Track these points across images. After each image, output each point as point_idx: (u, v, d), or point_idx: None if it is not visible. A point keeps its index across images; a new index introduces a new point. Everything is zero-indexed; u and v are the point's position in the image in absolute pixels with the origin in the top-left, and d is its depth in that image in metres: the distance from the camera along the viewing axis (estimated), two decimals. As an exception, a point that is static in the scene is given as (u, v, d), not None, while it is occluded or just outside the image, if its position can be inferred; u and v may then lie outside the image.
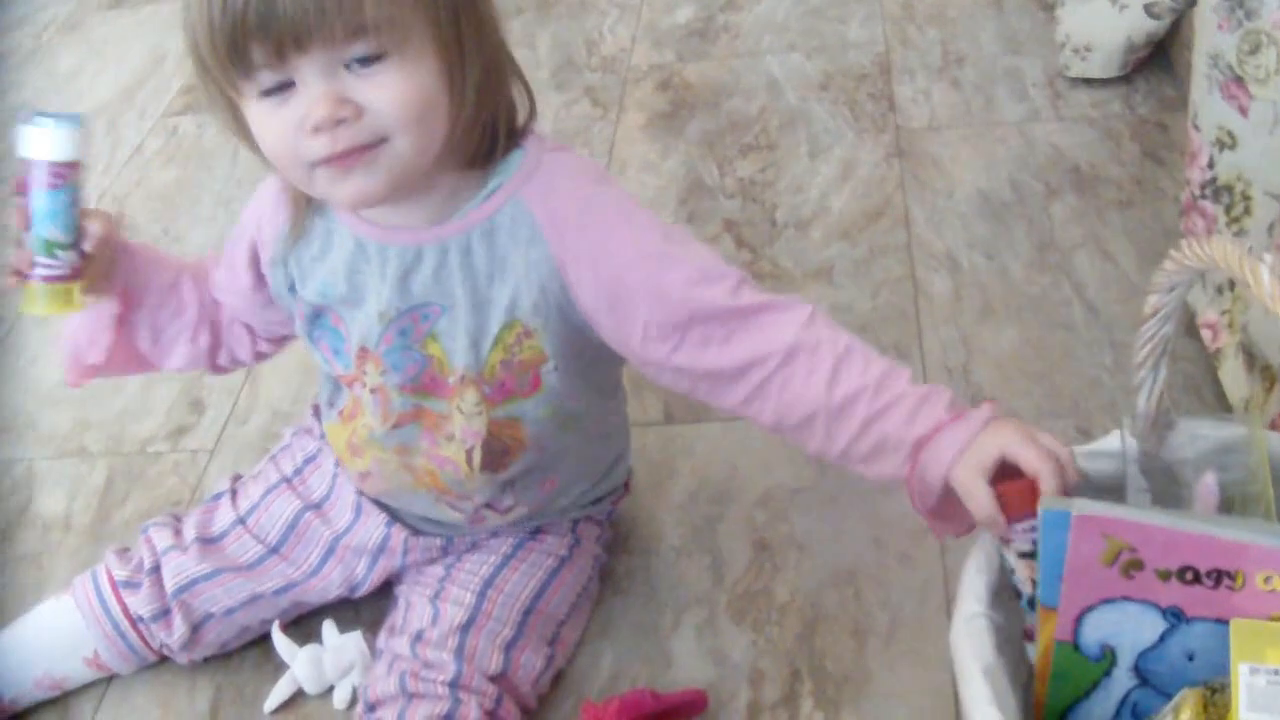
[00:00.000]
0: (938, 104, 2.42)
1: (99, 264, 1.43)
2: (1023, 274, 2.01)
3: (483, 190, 1.35)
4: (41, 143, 1.35)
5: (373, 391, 1.47)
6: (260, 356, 1.66)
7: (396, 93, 1.21)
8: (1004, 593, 1.19)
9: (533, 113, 1.38)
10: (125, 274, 1.49)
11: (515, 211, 1.34)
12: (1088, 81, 2.38)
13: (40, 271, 1.38)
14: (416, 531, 1.62)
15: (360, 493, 1.63)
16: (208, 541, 1.68)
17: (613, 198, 1.37)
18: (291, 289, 1.48)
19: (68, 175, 1.37)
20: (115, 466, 2.05)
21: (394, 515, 1.62)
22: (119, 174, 2.72)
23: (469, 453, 1.47)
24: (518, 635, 1.54)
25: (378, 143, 1.23)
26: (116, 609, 1.65)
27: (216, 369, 1.66)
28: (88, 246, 1.40)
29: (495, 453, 1.47)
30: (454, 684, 1.47)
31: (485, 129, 1.33)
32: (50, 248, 1.37)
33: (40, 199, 1.36)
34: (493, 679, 1.50)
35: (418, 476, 1.53)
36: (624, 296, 1.33)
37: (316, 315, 1.48)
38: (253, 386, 2.13)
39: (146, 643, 1.66)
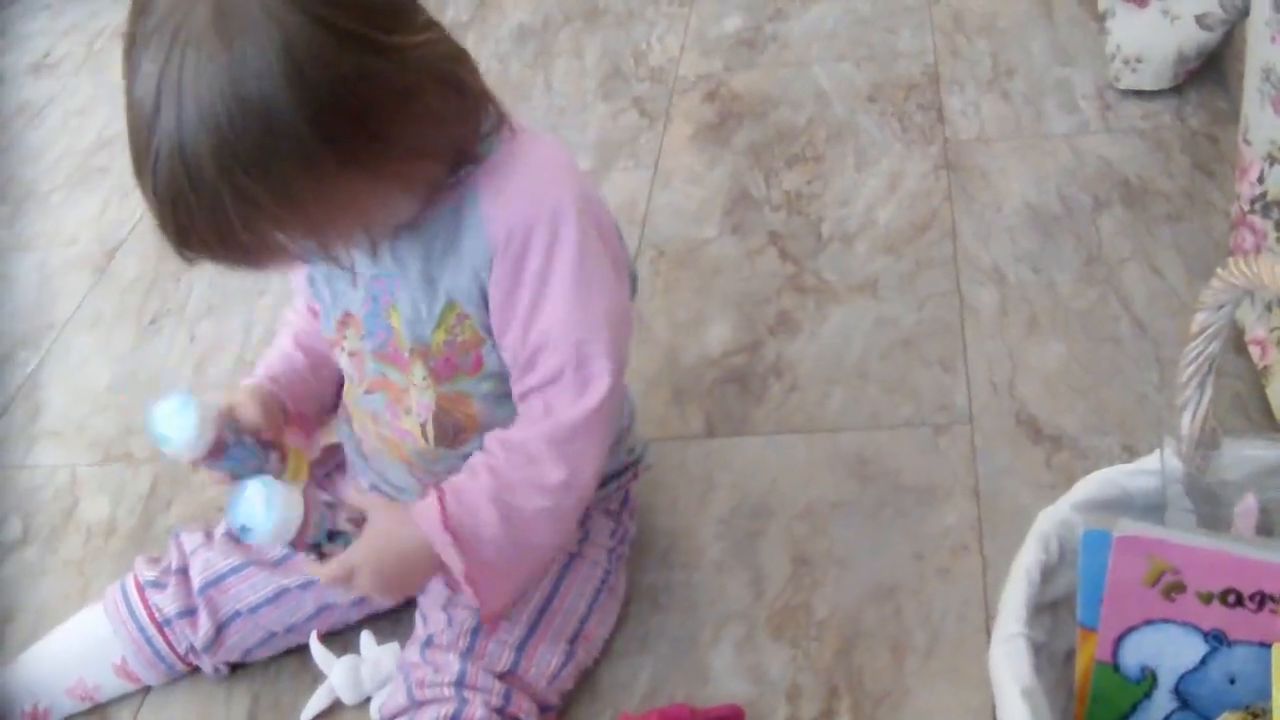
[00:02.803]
0: (987, 116, 2.40)
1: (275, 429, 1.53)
2: (1070, 288, 1.99)
3: (456, 173, 1.38)
4: (179, 446, 1.40)
5: (351, 355, 1.53)
6: None
7: (356, 242, 1.34)
8: (1044, 612, 1.18)
9: (500, 119, 1.40)
10: (292, 398, 1.59)
11: (472, 202, 1.38)
12: (1138, 93, 2.36)
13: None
14: None
15: (373, 487, 1.64)
16: (236, 539, 1.68)
17: (553, 209, 1.38)
18: None
19: (217, 450, 1.43)
20: (159, 473, 2.05)
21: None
22: (167, 181, 2.73)
23: (423, 426, 1.52)
24: (530, 634, 1.54)
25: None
26: (142, 613, 1.66)
27: None
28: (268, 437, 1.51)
29: (447, 428, 1.51)
30: (459, 683, 1.47)
31: (449, 155, 1.36)
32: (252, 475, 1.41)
33: (220, 473, 1.46)
34: (500, 676, 1.50)
35: (388, 446, 1.58)
36: (501, 327, 1.43)
37: (312, 280, 1.53)
38: (295, 395, 2.13)
39: (172, 647, 1.67)
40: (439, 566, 1.42)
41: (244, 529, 1.34)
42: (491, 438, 1.44)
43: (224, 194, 1.18)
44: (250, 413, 1.49)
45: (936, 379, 1.89)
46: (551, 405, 1.41)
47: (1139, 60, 2.32)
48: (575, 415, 1.40)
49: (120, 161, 2.80)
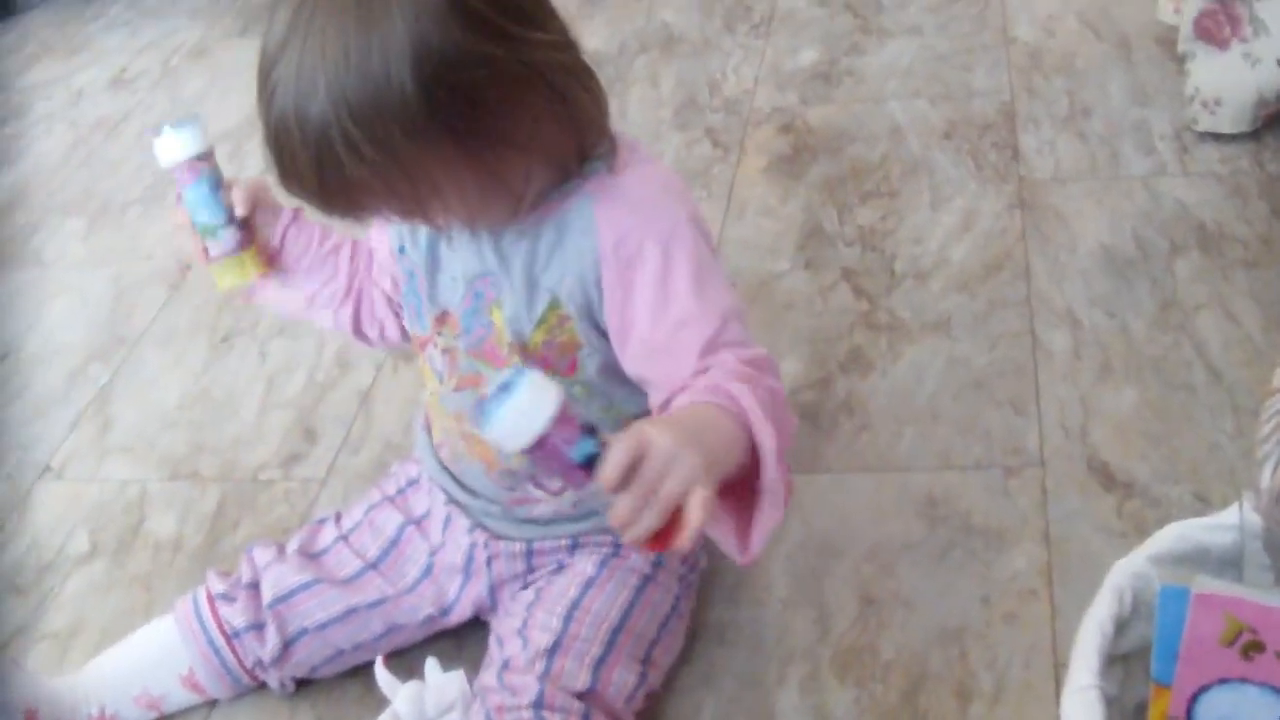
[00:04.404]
0: (1062, 155, 2.39)
1: (263, 228, 1.59)
2: (1144, 333, 1.98)
3: (564, 186, 1.40)
4: (170, 147, 1.52)
5: (444, 352, 1.55)
6: (406, 336, 1.69)
7: (450, 216, 1.36)
8: (1116, 664, 1.17)
9: (613, 149, 1.43)
10: (286, 231, 1.61)
11: (584, 209, 1.40)
12: (1216, 136, 2.34)
13: (212, 252, 1.56)
14: (497, 536, 1.63)
15: (448, 504, 1.65)
16: (309, 556, 1.72)
17: (667, 222, 1.39)
18: (402, 249, 1.56)
19: (200, 167, 1.53)
20: (227, 492, 2.07)
21: (476, 522, 1.64)
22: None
23: None
24: (606, 653, 1.54)
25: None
26: (212, 624, 1.67)
27: (362, 337, 1.74)
28: (240, 212, 1.55)
29: None
30: (537, 704, 1.47)
31: (562, 159, 1.39)
32: (209, 230, 1.54)
33: (187, 194, 1.53)
34: (579, 696, 1.49)
35: (470, 445, 1.58)
36: (626, 328, 1.41)
37: (410, 276, 1.56)
38: (366, 417, 2.14)
39: (240, 660, 1.67)
40: (737, 443, 1.21)
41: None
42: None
43: (329, 133, 1.24)
44: (250, 183, 1.57)
45: (1008, 421, 1.88)
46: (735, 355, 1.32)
47: (1218, 103, 2.30)
48: (749, 354, 1.32)
49: (197, 179, 2.83)
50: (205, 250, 1.55)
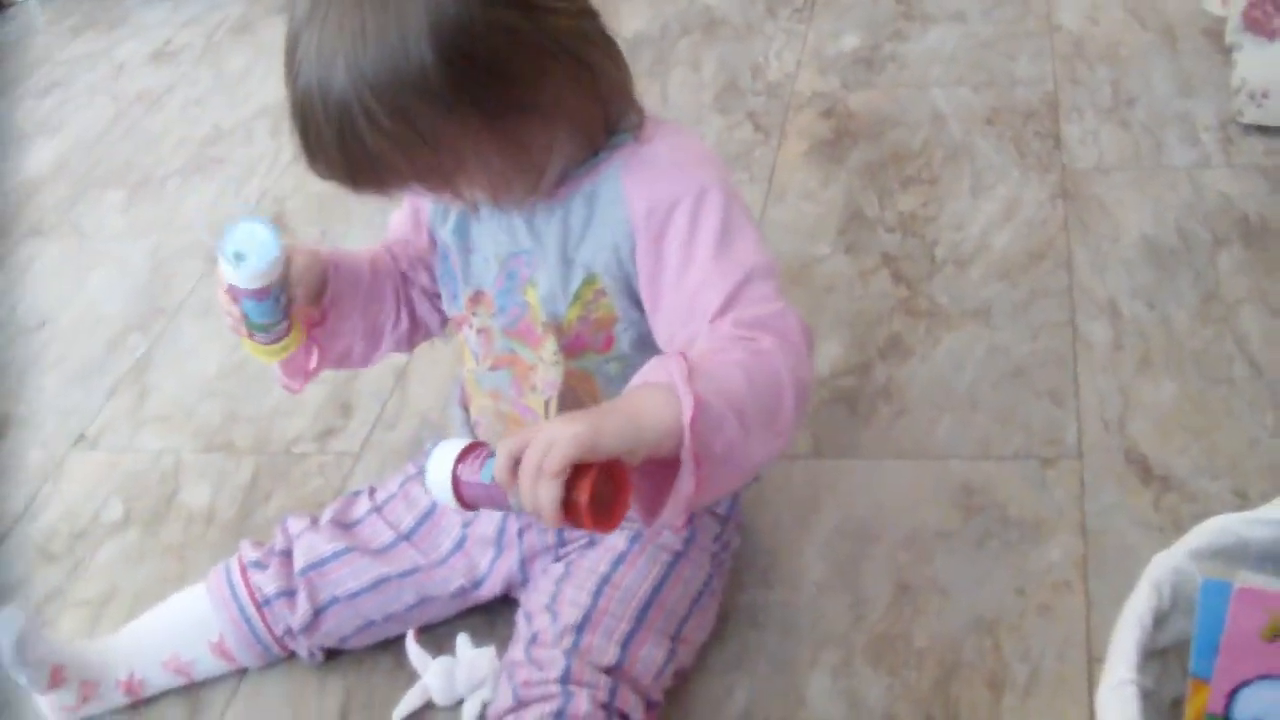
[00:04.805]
0: (1106, 145, 2.38)
1: (307, 300, 1.52)
2: (1185, 325, 1.97)
3: (592, 160, 1.41)
4: (239, 275, 1.41)
5: (479, 332, 1.56)
6: (444, 324, 1.69)
7: (478, 191, 1.36)
8: (1153, 659, 1.16)
9: (641, 120, 1.43)
10: (334, 291, 1.55)
11: (613, 180, 1.40)
12: (1262, 129, 2.33)
13: (258, 338, 1.48)
14: None
15: None
16: (342, 526, 1.73)
17: (695, 184, 1.38)
18: (435, 230, 1.57)
19: (268, 289, 1.43)
20: (261, 464, 2.07)
21: None
22: (281, 176, 2.76)
23: (546, 404, 1.52)
24: (636, 628, 1.53)
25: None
26: (243, 591, 1.68)
27: (413, 347, 1.72)
28: (297, 299, 1.49)
29: (571, 407, 1.50)
30: (564, 679, 1.47)
31: (588, 131, 1.39)
32: (259, 327, 1.47)
33: (248, 307, 1.44)
34: (607, 671, 1.49)
35: (507, 425, 1.58)
36: (656, 297, 1.40)
37: (444, 256, 1.56)
38: (402, 392, 2.14)
39: (269, 628, 1.68)
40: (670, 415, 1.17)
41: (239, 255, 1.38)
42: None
43: (350, 107, 1.24)
44: (304, 274, 1.50)
45: (1047, 411, 1.87)
46: (739, 317, 1.31)
47: (1265, 95, 2.29)
48: (760, 312, 1.32)
49: (236, 153, 2.86)
50: (248, 332, 1.48)
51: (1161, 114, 2.43)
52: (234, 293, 1.43)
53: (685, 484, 1.16)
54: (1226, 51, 2.45)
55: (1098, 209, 2.23)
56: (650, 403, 1.16)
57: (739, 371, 1.22)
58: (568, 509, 1.13)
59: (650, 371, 1.22)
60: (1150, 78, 2.54)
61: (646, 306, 1.43)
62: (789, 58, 2.83)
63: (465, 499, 1.25)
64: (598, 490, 1.13)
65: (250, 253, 1.40)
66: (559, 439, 1.11)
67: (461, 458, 1.24)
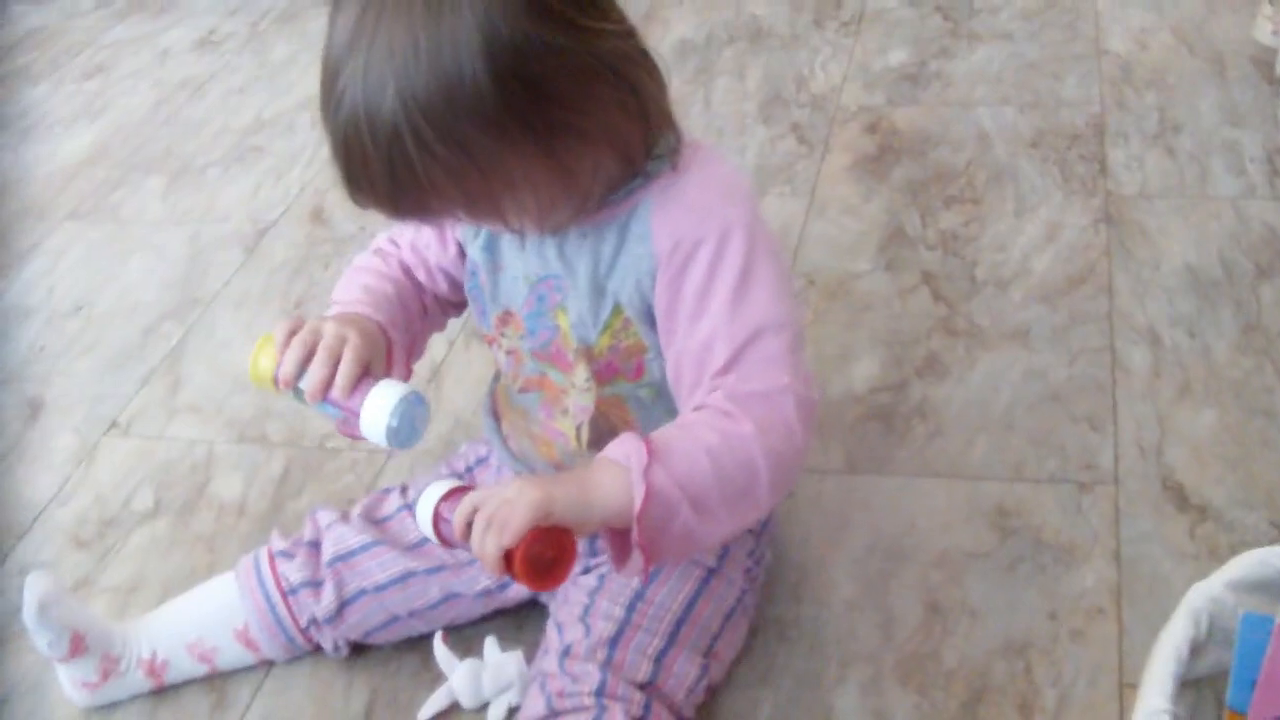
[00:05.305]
0: (1150, 171, 2.37)
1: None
2: (1226, 355, 1.95)
3: (626, 187, 1.39)
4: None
5: (508, 353, 1.56)
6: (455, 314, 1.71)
7: (523, 215, 1.34)
8: (1188, 689, 1.16)
9: (678, 144, 1.42)
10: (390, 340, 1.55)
11: (642, 213, 1.40)
12: (1309, 161, 2.32)
13: (315, 410, 1.49)
14: None
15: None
16: (372, 520, 1.73)
17: (720, 225, 1.38)
18: (463, 246, 1.56)
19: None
20: (293, 458, 2.07)
21: None
22: (322, 168, 2.76)
23: (578, 429, 1.53)
24: (669, 645, 1.53)
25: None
26: (269, 579, 1.68)
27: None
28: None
29: (603, 432, 1.50)
30: (599, 693, 1.46)
31: (629, 153, 1.37)
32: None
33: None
34: (641, 686, 1.49)
35: (537, 445, 1.59)
36: (668, 335, 1.43)
37: (473, 273, 1.55)
38: (436, 392, 2.14)
39: (294, 617, 1.68)
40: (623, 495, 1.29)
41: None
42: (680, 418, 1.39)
43: (401, 132, 1.22)
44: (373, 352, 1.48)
45: (1083, 436, 1.86)
46: (733, 388, 1.36)
47: (1313, 128, 2.28)
48: (757, 387, 1.36)
49: (277, 143, 2.86)
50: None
51: (1208, 142, 2.42)
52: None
53: (635, 562, 1.31)
54: (1276, 82, 2.44)
55: (1140, 235, 2.22)
56: (604, 484, 1.30)
57: (706, 459, 1.31)
58: (508, 562, 1.26)
59: (614, 448, 1.33)
60: (1197, 105, 2.53)
61: (661, 339, 1.43)
62: (835, 71, 2.82)
63: (442, 535, 1.37)
64: (534, 551, 1.26)
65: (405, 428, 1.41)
66: (518, 503, 1.25)
67: (446, 497, 1.37)
